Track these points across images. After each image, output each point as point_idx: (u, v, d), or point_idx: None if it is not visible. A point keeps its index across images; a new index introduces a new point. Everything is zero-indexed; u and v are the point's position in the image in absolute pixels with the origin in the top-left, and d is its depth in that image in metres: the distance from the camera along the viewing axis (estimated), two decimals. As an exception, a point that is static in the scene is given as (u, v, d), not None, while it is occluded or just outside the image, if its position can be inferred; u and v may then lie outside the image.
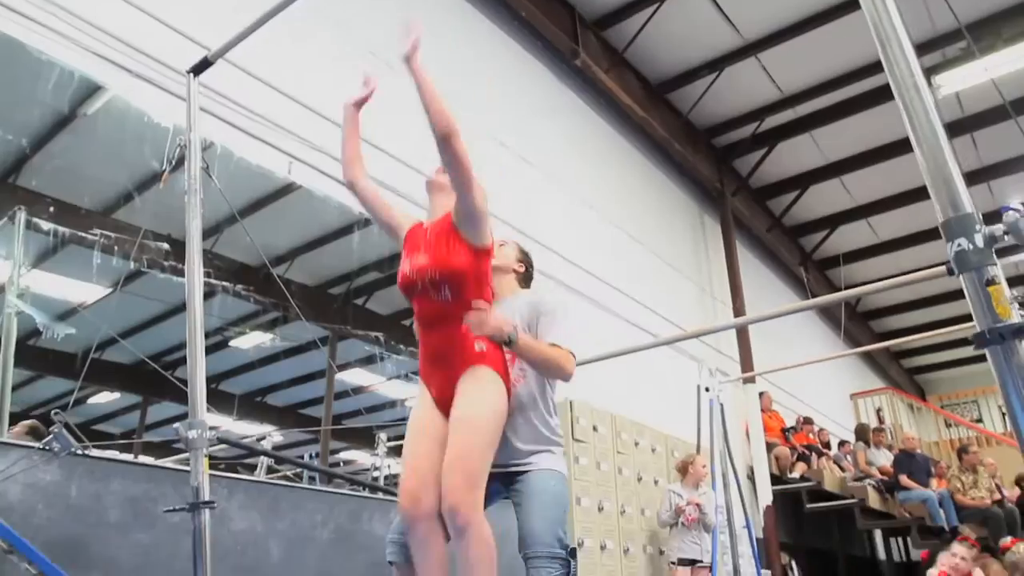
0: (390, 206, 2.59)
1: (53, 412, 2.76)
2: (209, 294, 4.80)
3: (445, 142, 2.18)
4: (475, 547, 2.08)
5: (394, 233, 2.55)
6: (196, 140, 2.89)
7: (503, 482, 2.44)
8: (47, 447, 2.85)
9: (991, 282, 1.39)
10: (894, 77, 1.58)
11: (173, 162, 2.91)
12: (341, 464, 8.04)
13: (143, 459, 4.92)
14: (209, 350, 2.71)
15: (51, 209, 3.74)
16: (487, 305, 2.28)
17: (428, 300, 2.30)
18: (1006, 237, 1.39)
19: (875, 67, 7.73)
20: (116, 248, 3.96)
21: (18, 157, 4.07)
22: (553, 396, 2.61)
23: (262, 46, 3.12)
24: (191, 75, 3.01)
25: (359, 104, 2.59)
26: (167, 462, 3.88)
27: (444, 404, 2.28)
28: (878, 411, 13.39)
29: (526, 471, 2.41)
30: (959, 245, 1.41)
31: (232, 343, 6.40)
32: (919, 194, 9.58)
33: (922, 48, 7.60)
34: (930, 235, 11.12)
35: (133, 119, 3.91)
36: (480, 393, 2.23)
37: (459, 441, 2.16)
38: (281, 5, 2.78)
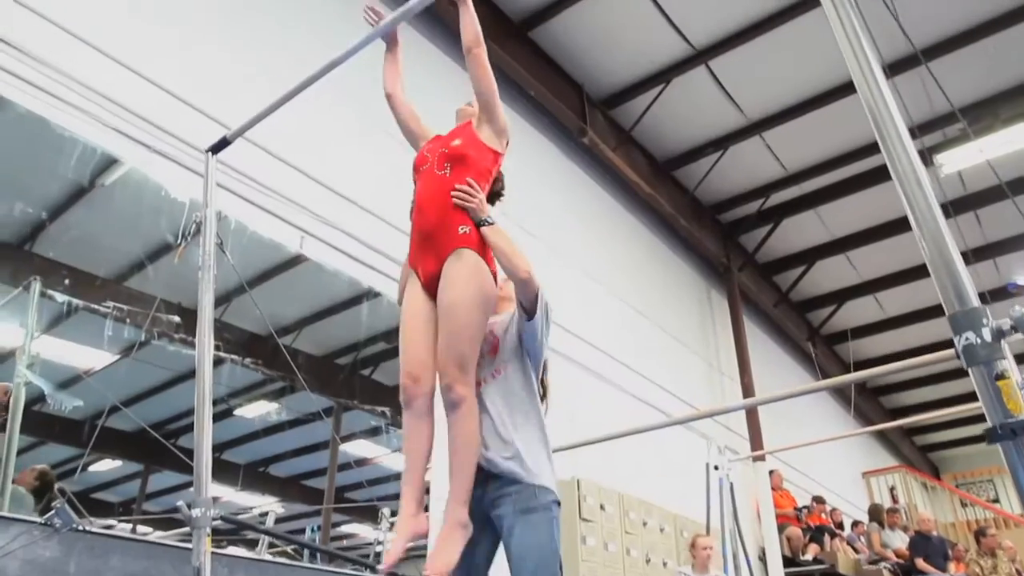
0: (419, 118, 2.86)
1: (57, 488, 2.74)
2: (217, 362, 4.81)
3: (471, 52, 2.54)
4: (464, 422, 2.28)
5: (416, 141, 2.79)
6: (212, 216, 2.95)
7: (485, 488, 2.33)
8: (48, 523, 2.82)
9: (1001, 376, 1.38)
10: (895, 171, 1.62)
11: (189, 237, 2.97)
12: (343, 540, 7.88)
13: (143, 529, 4.84)
14: (214, 418, 2.70)
15: (66, 282, 3.78)
16: (479, 188, 2.47)
17: (431, 175, 2.49)
18: (1014, 332, 1.39)
19: (878, 146, 7.90)
20: (128, 320, 3.98)
21: (35, 226, 4.13)
22: (537, 384, 2.52)
23: (276, 123, 3.22)
24: (209, 154, 3.08)
25: (386, 39, 2.92)
26: (168, 536, 3.82)
27: (432, 285, 2.43)
28: (891, 490, 13.10)
29: (511, 491, 2.29)
30: (967, 339, 1.41)
31: (237, 412, 6.37)
32: (925, 270, 9.61)
33: (923, 128, 7.76)
34: (938, 311, 11.07)
35: (150, 192, 4.00)
36: (465, 278, 2.36)
37: (449, 327, 2.32)
38: (299, 88, 2.87)
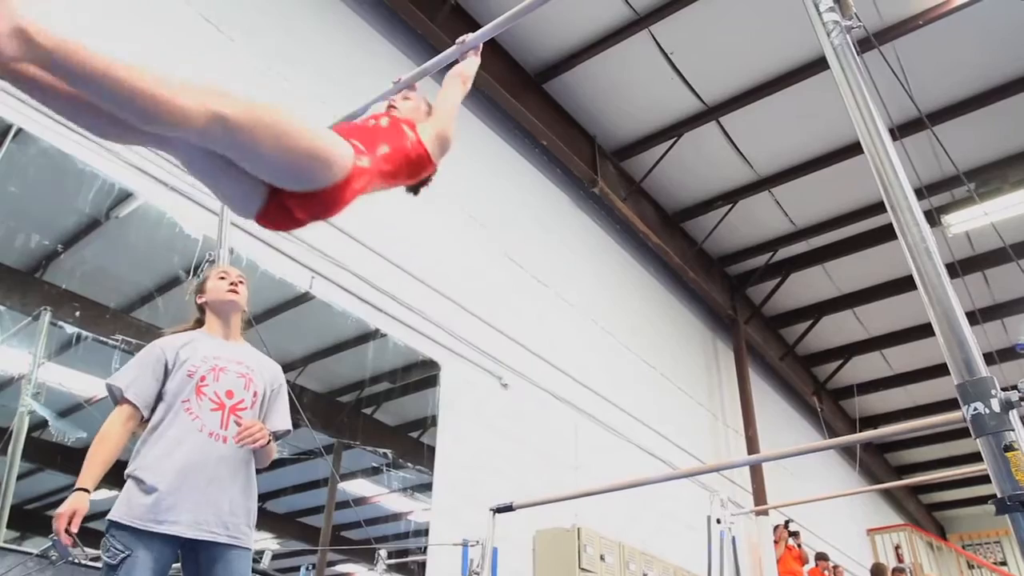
0: None
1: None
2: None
3: (455, 80, 2.49)
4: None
5: None
6: (226, 256, 2.99)
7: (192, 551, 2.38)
8: (44, 554, 2.80)
9: (1009, 447, 1.38)
10: (905, 240, 1.64)
11: (201, 275, 3.00)
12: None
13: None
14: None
15: (77, 313, 3.81)
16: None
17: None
18: (1022, 403, 1.39)
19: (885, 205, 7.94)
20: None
21: (48, 255, 4.17)
22: None
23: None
24: (226, 192, 3.13)
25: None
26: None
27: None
28: (896, 548, 12.87)
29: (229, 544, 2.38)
30: (975, 409, 1.42)
31: (237, 447, 6.31)
32: (933, 329, 9.58)
33: (932, 188, 7.80)
34: (946, 369, 11.00)
35: (164, 227, 4.05)
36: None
37: None
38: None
